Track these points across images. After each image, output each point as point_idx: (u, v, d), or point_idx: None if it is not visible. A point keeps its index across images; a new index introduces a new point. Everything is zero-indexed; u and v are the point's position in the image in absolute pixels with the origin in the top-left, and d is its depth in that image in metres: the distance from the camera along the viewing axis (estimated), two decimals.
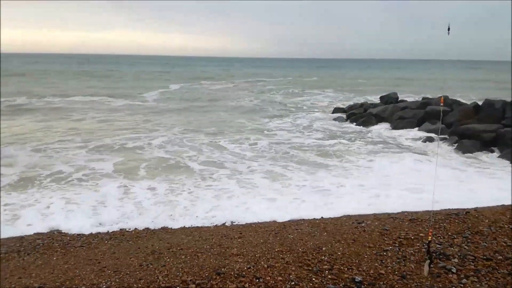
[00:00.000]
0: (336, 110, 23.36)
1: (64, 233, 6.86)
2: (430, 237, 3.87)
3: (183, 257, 5.26)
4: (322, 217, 7.22)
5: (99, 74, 57.44)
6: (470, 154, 13.12)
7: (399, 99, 23.97)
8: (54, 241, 6.27)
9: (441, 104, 4.24)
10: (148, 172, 10.62)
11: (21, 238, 6.49)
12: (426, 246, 4.11)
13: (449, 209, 7.23)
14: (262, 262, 4.95)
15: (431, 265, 4.14)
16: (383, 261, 4.86)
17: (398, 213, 7.26)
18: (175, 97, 30.80)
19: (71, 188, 9.35)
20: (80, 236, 6.65)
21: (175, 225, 7.21)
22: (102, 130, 16.27)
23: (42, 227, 7.02)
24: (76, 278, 4.71)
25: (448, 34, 3.75)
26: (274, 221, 7.15)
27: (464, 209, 7.07)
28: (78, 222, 7.27)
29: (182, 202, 8.37)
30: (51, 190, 9.08)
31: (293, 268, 4.74)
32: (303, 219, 7.16)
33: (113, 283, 4.54)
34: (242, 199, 8.55)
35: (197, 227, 7.11)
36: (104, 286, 4.47)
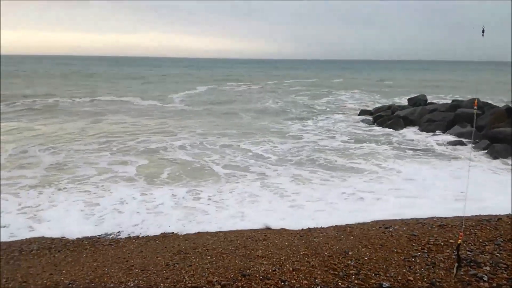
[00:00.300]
0: (363, 112, 23.04)
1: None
2: (460, 240, 3.76)
3: (209, 257, 5.30)
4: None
5: (127, 76, 58.58)
6: (503, 159, 12.71)
7: (428, 101, 23.46)
8: (84, 239, 6.43)
9: (475, 107, 4.11)
10: (170, 176, 10.42)
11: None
12: (455, 250, 4.00)
13: (480, 215, 7.02)
14: (287, 265, 4.93)
15: (460, 270, 4.02)
16: (412, 267, 4.76)
17: (426, 218, 7.10)
18: (201, 99, 31.08)
19: (93, 190, 9.22)
20: (108, 234, 6.79)
21: (199, 229, 7.12)
22: (127, 132, 16.38)
23: (58, 231, 6.87)
24: (105, 276, 4.82)
25: (483, 36, 3.63)
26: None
27: (496, 215, 6.86)
28: (97, 226, 7.20)
29: (205, 207, 8.17)
30: (70, 193, 8.94)
31: (319, 272, 4.70)
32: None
33: (140, 281, 4.62)
34: (268, 205, 8.28)
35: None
36: (132, 285, 4.55)
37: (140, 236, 6.68)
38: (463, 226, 6.02)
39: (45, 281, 4.73)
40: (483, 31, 3.67)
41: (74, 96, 29.57)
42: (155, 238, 6.45)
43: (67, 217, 7.51)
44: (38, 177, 10.07)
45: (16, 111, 21.86)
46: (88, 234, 6.70)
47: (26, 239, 6.53)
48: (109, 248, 5.98)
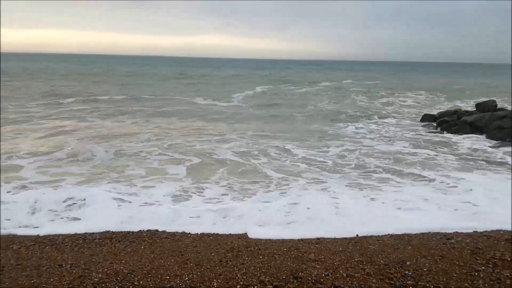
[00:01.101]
0: (426, 116, 22.06)
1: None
2: None
3: (261, 257, 5.32)
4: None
5: (192, 76, 60.48)
6: None
7: (498, 107, 22.01)
8: (143, 232, 6.69)
9: None
10: (222, 177, 10.31)
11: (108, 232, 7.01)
12: None
13: None
14: (341, 271, 4.83)
15: None
16: (474, 282, 4.49)
17: (492, 231, 6.66)
18: (258, 99, 31.36)
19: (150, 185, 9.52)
20: (166, 228, 7.01)
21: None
22: (182, 133, 16.54)
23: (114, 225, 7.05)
24: (161, 268, 4.99)
25: None
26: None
27: None
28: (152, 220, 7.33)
29: (254, 211, 7.91)
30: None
31: (374, 280, 4.56)
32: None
33: (194, 276, 4.73)
34: (318, 213, 7.89)
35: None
36: (187, 278, 4.67)
37: (196, 231, 6.83)
38: None
39: (105, 269, 4.97)
40: None
41: (141, 95, 30.91)
42: (208, 234, 6.59)
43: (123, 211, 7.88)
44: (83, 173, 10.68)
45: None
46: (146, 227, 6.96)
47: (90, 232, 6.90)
48: (165, 241, 6.19)
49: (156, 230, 6.81)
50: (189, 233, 6.70)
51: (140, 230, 6.76)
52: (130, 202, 8.30)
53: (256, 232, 6.67)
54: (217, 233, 6.68)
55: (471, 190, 9.54)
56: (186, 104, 26.58)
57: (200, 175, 10.46)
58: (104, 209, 7.83)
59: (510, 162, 12.70)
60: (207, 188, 9.39)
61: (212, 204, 8.31)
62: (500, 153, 13.99)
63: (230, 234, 6.67)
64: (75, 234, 6.53)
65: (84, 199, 8.22)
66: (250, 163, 11.81)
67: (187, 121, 19.64)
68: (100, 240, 6.23)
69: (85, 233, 6.61)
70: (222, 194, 8.95)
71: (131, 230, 6.76)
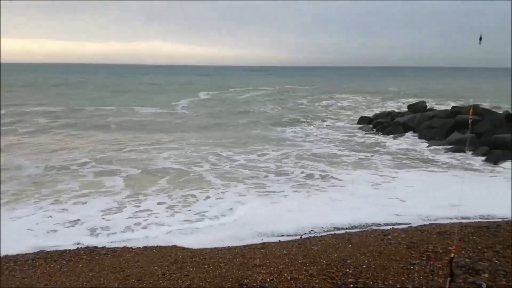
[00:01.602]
0: (362, 119, 23.03)
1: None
2: (453, 254, 3.73)
3: (206, 266, 5.26)
4: (346, 231, 7.08)
5: (133, 83, 58.75)
6: (500, 165, 12.67)
7: (428, 108, 23.46)
8: (80, 249, 6.38)
9: (470, 116, 4.11)
10: (161, 186, 10.20)
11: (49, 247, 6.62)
12: (449, 263, 4.01)
13: (479, 221, 6.99)
14: (285, 274, 4.89)
15: (452, 283, 3.98)
16: (410, 275, 4.72)
17: (426, 225, 7.06)
18: (202, 106, 31.16)
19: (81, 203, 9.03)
20: (106, 243, 6.73)
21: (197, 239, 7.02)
22: (120, 144, 16.05)
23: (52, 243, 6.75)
24: (101, 287, 4.77)
25: (480, 43, 3.62)
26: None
27: (495, 222, 6.83)
28: (92, 235, 7.14)
29: (185, 222, 7.83)
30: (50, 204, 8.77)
31: (317, 281, 4.66)
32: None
33: None
34: (263, 213, 8.22)
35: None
36: None
37: (137, 245, 6.62)
38: (456, 237, 5.98)
39: None
40: (480, 39, 3.67)
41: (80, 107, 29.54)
42: (152, 247, 6.41)
43: (60, 227, 7.47)
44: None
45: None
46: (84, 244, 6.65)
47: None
48: (105, 258, 5.94)
49: (95, 247, 6.52)
50: (131, 247, 6.48)
51: (78, 248, 6.44)
52: (60, 218, 7.86)
53: (185, 241, 6.69)
54: (161, 246, 6.51)
55: (402, 186, 10.23)
56: (126, 114, 25.80)
57: (139, 186, 10.20)
58: (29, 228, 7.33)
59: (439, 160, 13.58)
60: (145, 199, 9.13)
61: (145, 216, 8.07)
62: (427, 151, 14.96)
63: (174, 245, 6.54)
64: (6, 256, 6.09)
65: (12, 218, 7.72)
66: (191, 170, 11.72)
67: (126, 132, 19.04)
68: (34, 261, 5.86)
69: (17, 254, 6.19)
70: (159, 203, 8.79)
71: (67, 248, 6.42)
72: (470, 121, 4.29)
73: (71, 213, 8.16)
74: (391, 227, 7.01)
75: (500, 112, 18.69)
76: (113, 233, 7.16)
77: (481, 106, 20.20)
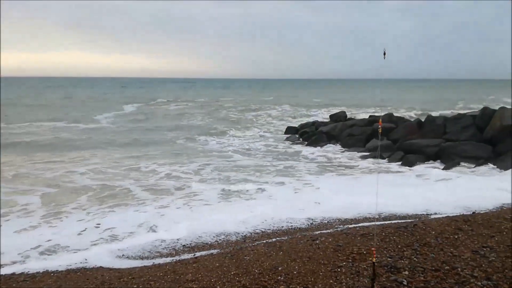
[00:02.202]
0: (289, 129, 23.74)
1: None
2: (374, 258, 4.02)
3: (135, 286, 5.06)
4: (277, 239, 7.22)
5: (51, 97, 55.14)
6: (415, 167, 13.75)
7: (348, 117, 24.79)
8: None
9: (379, 125, 4.46)
10: (80, 203, 9.98)
11: None
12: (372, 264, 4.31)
13: (398, 222, 7.48)
14: (218, 287, 4.85)
15: (375, 283, 4.29)
16: (338, 278, 4.91)
17: (350, 228, 7.42)
18: (127, 119, 30.22)
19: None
20: (24, 269, 6.22)
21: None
22: (31, 163, 15.17)
23: None
24: None
25: (384, 58, 3.94)
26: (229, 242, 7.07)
27: (412, 222, 7.35)
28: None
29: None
30: None
31: None
32: (258, 240, 7.13)
33: None
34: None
35: (150, 253, 6.89)
36: None
37: (59, 268, 6.20)
38: (375, 241, 6.35)
39: None
40: (384, 54, 3.98)
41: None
42: (76, 270, 6.04)
43: None
44: None
45: None
46: None
47: None
48: (23, 285, 5.48)
49: (13, 273, 6.00)
50: (54, 271, 6.05)
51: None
52: None
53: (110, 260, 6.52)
54: (85, 267, 6.16)
55: (318, 188, 11.19)
56: (41, 131, 24.19)
57: (54, 204, 9.74)
58: None
59: (359, 165, 14.41)
60: (62, 218, 8.71)
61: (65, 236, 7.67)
62: (347, 158, 15.87)
63: (101, 266, 6.22)
64: None
65: None
66: (113, 185, 11.44)
67: (37, 151, 17.81)
68: None
69: None
70: (79, 221, 8.48)
71: None
72: (379, 130, 4.65)
73: None
74: (319, 232, 7.27)
75: (412, 120, 20.27)
76: (28, 257, 6.68)
77: (395, 114, 21.78)
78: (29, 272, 6.03)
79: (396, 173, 13.24)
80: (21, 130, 23.72)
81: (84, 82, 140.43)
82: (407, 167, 13.85)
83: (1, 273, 6.01)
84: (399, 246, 5.86)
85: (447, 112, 29.08)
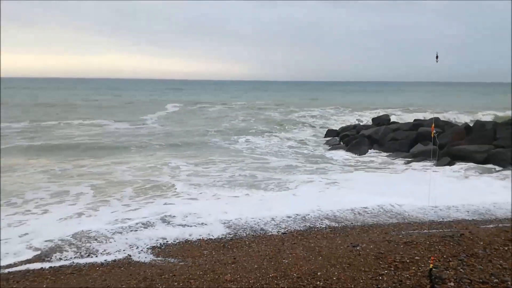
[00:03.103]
0: (329, 132, 23.46)
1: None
2: (431, 264, 3.86)
3: (176, 284, 5.16)
4: (316, 243, 7.15)
5: (99, 99, 57.53)
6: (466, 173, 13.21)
7: (391, 121, 24.18)
8: (45, 268, 6.13)
9: (433, 131, 4.31)
10: (130, 196, 10.69)
11: (10, 265, 6.34)
12: (428, 273, 4.14)
13: (443, 231, 7.20)
14: None
15: None
16: (379, 286, 4.80)
17: (393, 235, 7.23)
18: (170, 119, 31.16)
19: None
20: (70, 262, 6.51)
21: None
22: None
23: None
24: None
25: (437, 61, 3.81)
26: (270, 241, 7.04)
27: (458, 231, 7.06)
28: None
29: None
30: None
31: None
32: (296, 243, 7.08)
33: None
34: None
35: (190, 251, 7.00)
36: None
37: (106, 262, 6.44)
38: (427, 245, 6.13)
39: None
40: (436, 57, 3.85)
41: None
42: (119, 265, 6.24)
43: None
44: None
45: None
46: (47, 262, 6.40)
47: None
48: (71, 277, 5.74)
49: (61, 266, 6.28)
50: (99, 264, 6.29)
51: (42, 268, 6.18)
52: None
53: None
54: (130, 262, 6.36)
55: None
56: (99, 131, 25.23)
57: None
58: None
59: (405, 169, 14.00)
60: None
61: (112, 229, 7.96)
62: (392, 161, 15.45)
63: (144, 262, 6.40)
64: None
65: None
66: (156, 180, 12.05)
67: (86, 150, 18.58)
68: None
69: None
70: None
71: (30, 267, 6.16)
72: (433, 135, 4.50)
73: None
74: (360, 238, 7.13)
75: (460, 125, 19.50)
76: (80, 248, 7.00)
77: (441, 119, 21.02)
78: (76, 266, 6.28)
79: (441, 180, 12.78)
80: (70, 130, 24.85)
81: (127, 84, 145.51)
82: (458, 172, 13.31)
83: (52, 266, 6.31)
84: (445, 256, 5.65)
85: (499, 114, 28.13)
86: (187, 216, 8.84)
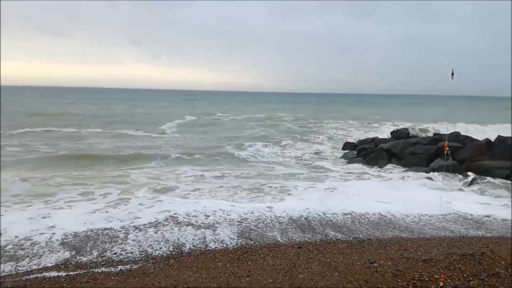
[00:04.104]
0: (347, 144, 23.27)
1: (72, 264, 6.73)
2: (441, 282, 3.76)
3: None
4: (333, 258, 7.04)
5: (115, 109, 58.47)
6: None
7: (410, 135, 23.86)
8: (61, 277, 6.19)
9: (447, 148, 4.25)
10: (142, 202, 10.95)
11: (28, 272, 6.42)
12: None
13: (464, 250, 7.02)
14: None
15: None
16: None
17: (411, 252, 7.08)
18: (188, 127, 31.69)
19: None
20: (86, 271, 6.55)
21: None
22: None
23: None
24: None
25: (452, 79, 3.76)
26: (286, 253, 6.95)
27: (479, 249, 6.87)
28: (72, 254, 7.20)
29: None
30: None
31: None
32: (312, 258, 6.98)
33: None
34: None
35: (204, 263, 6.97)
36: None
37: (121, 272, 6.46)
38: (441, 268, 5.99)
39: None
40: (452, 74, 3.80)
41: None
42: (135, 275, 6.25)
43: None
44: None
45: None
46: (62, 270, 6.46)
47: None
48: (86, 286, 5.77)
49: (77, 274, 6.32)
50: (115, 273, 6.32)
51: (58, 275, 6.24)
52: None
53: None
54: (145, 272, 6.37)
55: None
56: (111, 138, 25.61)
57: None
58: None
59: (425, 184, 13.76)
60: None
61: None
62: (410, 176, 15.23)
63: (159, 272, 6.40)
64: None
65: None
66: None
67: (107, 159, 18.85)
68: None
69: None
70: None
71: (47, 274, 6.22)
72: (446, 152, 4.43)
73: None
74: (378, 254, 7.00)
75: (481, 139, 19.11)
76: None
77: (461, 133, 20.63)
78: (91, 276, 6.30)
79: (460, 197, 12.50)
80: (91, 140, 25.27)
81: (144, 94, 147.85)
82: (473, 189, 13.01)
83: (68, 274, 6.36)
84: (465, 275, 5.51)
85: None
86: (202, 226, 8.84)
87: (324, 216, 9.72)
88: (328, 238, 8.31)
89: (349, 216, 9.74)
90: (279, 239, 8.18)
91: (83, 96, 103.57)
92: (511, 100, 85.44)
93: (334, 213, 9.88)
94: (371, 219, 9.63)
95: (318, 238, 8.30)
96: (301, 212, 9.89)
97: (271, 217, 9.55)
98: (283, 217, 9.56)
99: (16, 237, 7.87)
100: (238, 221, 9.21)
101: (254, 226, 8.96)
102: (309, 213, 9.86)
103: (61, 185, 12.47)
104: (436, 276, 5.51)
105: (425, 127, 30.52)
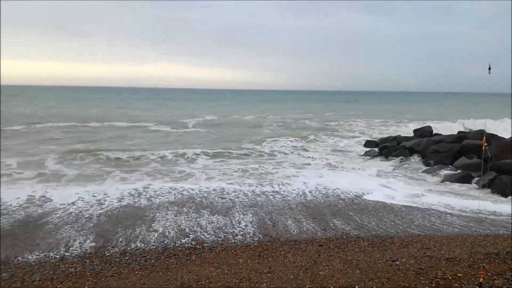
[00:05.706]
0: (369, 143, 23.01)
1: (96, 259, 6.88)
2: (481, 278, 3.71)
3: None
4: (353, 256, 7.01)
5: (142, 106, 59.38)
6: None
7: (434, 132, 23.44)
8: (86, 270, 6.36)
9: (484, 143, 4.15)
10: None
11: (55, 266, 6.61)
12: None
13: (489, 249, 6.89)
14: None
15: None
16: None
17: (434, 251, 6.98)
18: (208, 124, 32.26)
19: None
20: (111, 265, 6.69)
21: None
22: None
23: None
24: None
25: (489, 73, 3.69)
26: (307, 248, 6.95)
27: (504, 248, 6.74)
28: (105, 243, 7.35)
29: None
30: None
31: None
32: (333, 256, 6.97)
33: None
34: None
35: (226, 259, 7.04)
36: None
37: (144, 267, 6.58)
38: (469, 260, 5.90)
39: None
40: (489, 68, 3.73)
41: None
42: (157, 269, 6.37)
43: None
44: None
45: None
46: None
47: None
48: (111, 280, 5.91)
49: (101, 268, 6.49)
50: (138, 268, 6.45)
51: (84, 268, 6.41)
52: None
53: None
54: (168, 267, 6.48)
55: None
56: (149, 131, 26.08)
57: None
58: None
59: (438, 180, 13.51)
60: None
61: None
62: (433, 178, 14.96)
63: (181, 268, 6.50)
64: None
65: None
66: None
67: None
68: (40, 282, 5.84)
69: (23, 275, 6.16)
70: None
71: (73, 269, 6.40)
72: (484, 148, 4.33)
73: None
74: (400, 252, 6.94)
75: (507, 137, 18.63)
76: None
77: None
78: (116, 270, 6.44)
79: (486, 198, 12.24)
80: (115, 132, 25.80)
81: (163, 92, 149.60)
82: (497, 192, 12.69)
83: (90, 267, 6.52)
84: (489, 274, 5.41)
85: None
86: (221, 224, 8.93)
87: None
88: (349, 236, 8.27)
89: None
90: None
91: (113, 97, 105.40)
92: None
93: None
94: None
95: (339, 236, 8.28)
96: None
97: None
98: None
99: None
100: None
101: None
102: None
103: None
104: (460, 274, 5.43)
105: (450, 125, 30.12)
